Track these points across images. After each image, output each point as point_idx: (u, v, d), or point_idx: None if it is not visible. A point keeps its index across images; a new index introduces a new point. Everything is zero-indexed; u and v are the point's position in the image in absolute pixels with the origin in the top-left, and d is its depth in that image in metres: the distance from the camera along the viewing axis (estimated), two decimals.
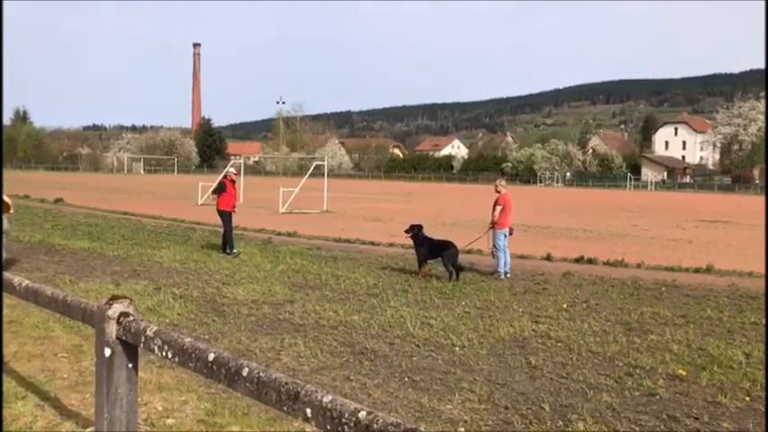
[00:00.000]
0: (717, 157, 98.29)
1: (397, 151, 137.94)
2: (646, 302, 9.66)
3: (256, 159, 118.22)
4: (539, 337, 7.48)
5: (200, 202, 28.96)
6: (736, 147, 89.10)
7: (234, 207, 14.31)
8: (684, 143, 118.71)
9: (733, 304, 9.65)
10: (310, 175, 30.20)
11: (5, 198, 10.31)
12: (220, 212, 14.00)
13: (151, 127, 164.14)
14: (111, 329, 3.04)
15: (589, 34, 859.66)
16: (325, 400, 2.08)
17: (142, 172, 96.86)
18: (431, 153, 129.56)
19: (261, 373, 2.34)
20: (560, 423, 4.90)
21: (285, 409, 2.21)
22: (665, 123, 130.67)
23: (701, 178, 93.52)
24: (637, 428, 4.87)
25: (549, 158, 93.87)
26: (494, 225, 12.11)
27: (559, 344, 7.18)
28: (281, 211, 25.86)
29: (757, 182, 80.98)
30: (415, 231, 11.66)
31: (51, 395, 5.01)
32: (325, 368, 6.09)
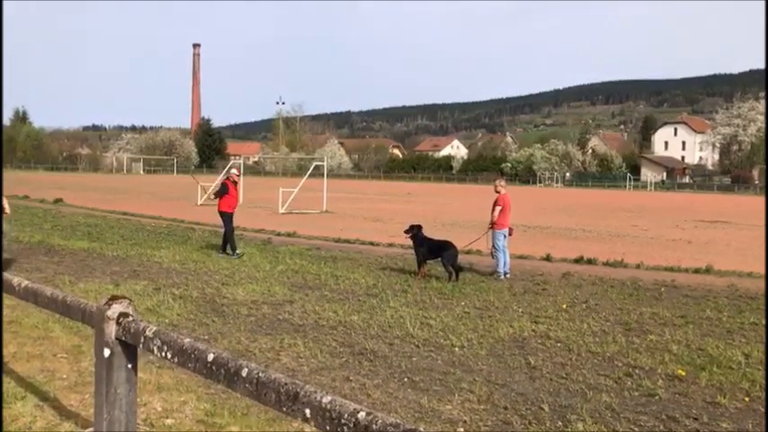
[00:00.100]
0: (716, 157, 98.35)
1: (396, 151, 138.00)
2: (645, 303, 9.66)
3: (256, 160, 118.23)
4: (538, 337, 7.48)
5: (199, 203, 28.97)
6: (735, 147, 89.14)
7: (234, 208, 14.31)
8: (684, 143, 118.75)
9: (732, 305, 9.66)
10: (310, 176, 30.18)
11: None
12: (222, 213, 13.98)
13: (151, 127, 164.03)
14: (111, 330, 3.04)
15: (589, 34, 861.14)
16: (324, 400, 2.08)
17: (142, 172, 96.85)
18: (430, 153, 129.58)
19: (260, 374, 2.34)
20: (560, 423, 4.90)
21: (284, 409, 2.22)
22: (665, 124, 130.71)
23: (700, 178, 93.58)
24: (636, 429, 4.87)
25: (549, 159, 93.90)
26: (493, 225, 12.11)
27: (559, 344, 7.18)
28: (281, 211, 25.85)
29: (756, 182, 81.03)
30: (415, 232, 11.67)
31: (51, 395, 5.01)
32: (325, 368, 6.10)
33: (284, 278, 10.94)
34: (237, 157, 47.96)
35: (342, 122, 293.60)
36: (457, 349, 6.86)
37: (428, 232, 12.09)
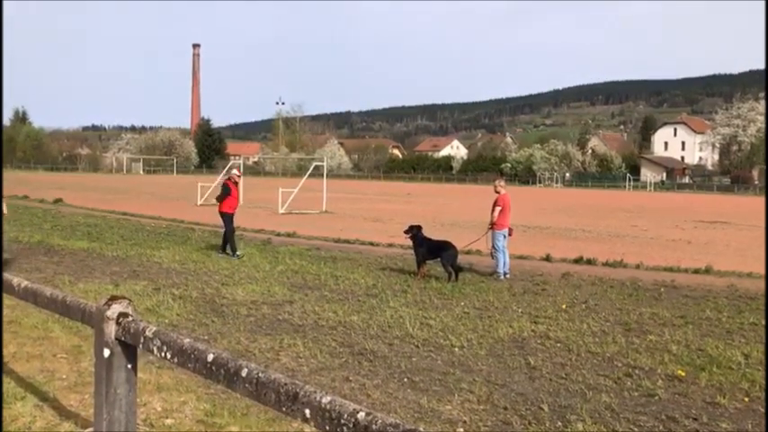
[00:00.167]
0: (716, 157, 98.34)
1: (396, 152, 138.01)
2: (645, 303, 9.66)
3: (256, 160, 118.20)
4: (538, 337, 7.49)
5: (199, 203, 28.97)
6: (735, 147, 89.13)
7: (235, 209, 14.30)
8: (684, 144, 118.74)
9: (732, 305, 9.66)
10: (309, 176, 30.20)
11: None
12: (222, 214, 13.97)
13: (150, 127, 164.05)
14: (111, 330, 3.04)
15: (589, 34, 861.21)
16: (324, 400, 2.08)
17: (141, 172, 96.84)
18: (430, 153, 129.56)
19: (260, 374, 2.34)
20: (559, 424, 4.90)
21: (284, 409, 2.22)
22: (665, 124, 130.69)
23: (700, 179, 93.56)
24: (636, 429, 4.87)
25: (549, 159, 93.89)
26: (493, 226, 12.11)
27: (558, 344, 7.18)
28: (281, 211, 25.86)
29: (756, 182, 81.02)
30: (415, 232, 11.67)
31: (50, 396, 5.01)
32: (325, 369, 6.10)
33: (284, 278, 10.94)
34: (237, 158, 48.01)
35: (342, 123, 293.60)
36: (456, 349, 6.86)
37: (428, 232, 12.10)
